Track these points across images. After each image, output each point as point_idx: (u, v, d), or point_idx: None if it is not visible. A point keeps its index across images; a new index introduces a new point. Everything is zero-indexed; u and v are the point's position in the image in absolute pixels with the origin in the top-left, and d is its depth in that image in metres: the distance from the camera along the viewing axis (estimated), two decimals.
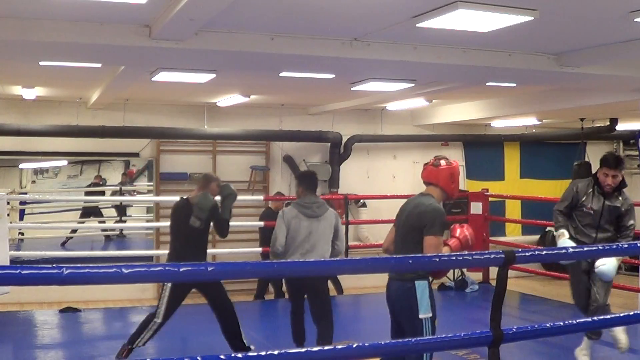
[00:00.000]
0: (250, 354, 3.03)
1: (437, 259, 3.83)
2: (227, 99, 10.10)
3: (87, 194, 12.56)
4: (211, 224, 5.82)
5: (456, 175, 4.52)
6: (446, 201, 4.62)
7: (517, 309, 8.32)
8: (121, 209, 12.88)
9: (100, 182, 12.57)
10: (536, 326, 3.86)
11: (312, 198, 5.69)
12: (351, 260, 4.65)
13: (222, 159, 11.21)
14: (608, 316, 4.86)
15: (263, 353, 2.99)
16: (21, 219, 12.04)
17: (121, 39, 5.28)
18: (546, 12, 4.84)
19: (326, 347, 3.33)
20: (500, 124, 12.67)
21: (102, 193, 12.57)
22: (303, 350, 3.17)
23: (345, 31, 5.67)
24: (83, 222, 12.73)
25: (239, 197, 9.74)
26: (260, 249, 9.19)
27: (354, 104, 10.39)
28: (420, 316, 4.20)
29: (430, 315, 4.23)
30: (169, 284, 5.57)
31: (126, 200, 12.63)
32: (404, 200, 4.76)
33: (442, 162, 4.50)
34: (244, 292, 9.65)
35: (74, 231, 12.22)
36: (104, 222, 13.17)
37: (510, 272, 3.78)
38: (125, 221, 12.91)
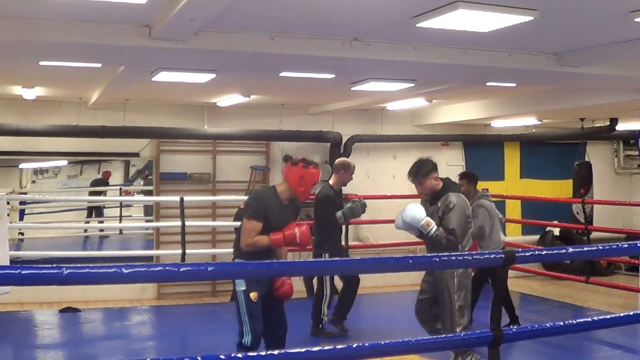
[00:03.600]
0: (250, 354, 3.03)
1: (437, 259, 3.83)
2: (227, 99, 10.10)
3: (92, 192, 12.55)
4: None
5: (308, 179, 4.72)
6: (297, 202, 4.91)
7: (517, 309, 8.30)
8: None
9: (108, 179, 12.56)
10: (536, 326, 3.87)
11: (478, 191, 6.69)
12: (351, 260, 4.64)
13: (222, 159, 11.21)
14: (609, 316, 4.86)
15: (263, 353, 3.00)
16: (21, 219, 12.03)
17: (121, 39, 5.28)
18: (546, 12, 4.84)
19: (326, 347, 3.33)
20: (500, 124, 12.67)
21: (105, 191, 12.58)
22: (303, 350, 3.17)
23: (345, 31, 5.67)
24: (88, 222, 12.72)
25: (239, 198, 9.80)
26: None
27: (354, 104, 10.39)
28: (237, 288, 4.73)
29: (244, 288, 4.69)
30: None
31: (126, 200, 12.62)
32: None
33: (302, 164, 4.81)
34: None
35: (86, 230, 12.26)
36: (102, 222, 13.17)
37: (510, 272, 3.78)
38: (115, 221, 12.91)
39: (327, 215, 6.72)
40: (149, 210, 12.51)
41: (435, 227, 4.82)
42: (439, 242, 4.81)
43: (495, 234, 6.77)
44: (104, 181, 12.57)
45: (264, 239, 4.66)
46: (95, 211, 12.86)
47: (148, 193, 12.40)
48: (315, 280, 8.99)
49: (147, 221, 12.25)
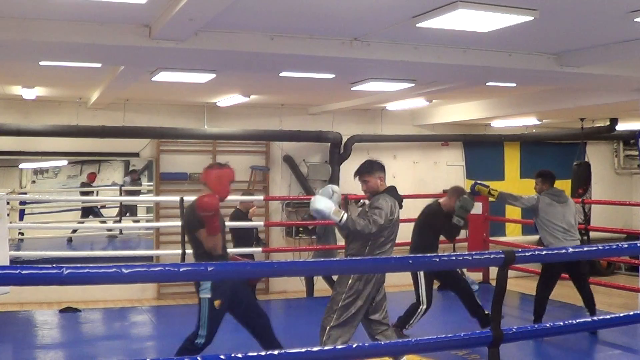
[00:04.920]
0: (250, 353, 3.03)
1: (437, 259, 3.83)
2: (227, 99, 10.10)
3: (83, 193, 12.51)
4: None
5: (224, 178, 5.03)
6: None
7: (517, 309, 8.31)
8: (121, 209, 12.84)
9: (92, 182, 12.48)
10: (536, 326, 3.87)
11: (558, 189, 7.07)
12: (351, 260, 4.64)
13: (222, 159, 11.13)
14: (609, 316, 4.86)
15: (263, 353, 3.00)
16: (21, 219, 12.02)
17: (121, 39, 5.28)
18: (546, 12, 4.84)
19: (326, 347, 3.33)
20: (500, 124, 12.67)
21: (95, 192, 12.51)
22: (303, 350, 3.17)
23: (345, 31, 5.67)
24: (83, 222, 12.69)
25: (239, 198, 9.80)
26: (260, 249, 9.18)
27: (354, 104, 10.39)
28: (201, 295, 4.85)
29: (209, 296, 4.84)
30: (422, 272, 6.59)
31: (126, 200, 12.61)
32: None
33: (216, 166, 5.18)
34: None
35: (75, 231, 12.19)
36: (104, 222, 13.14)
37: (510, 272, 3.78)
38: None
39: (424, 231, 6.92)
40: (133, 210, 12.50)
41: (345, 215, 4.81)
42: (353, 231, 4.84)
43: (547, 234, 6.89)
44: (88, 185, 12.52)
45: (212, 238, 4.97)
46: (85, 212, 12.72)
47: (135, 194, 12.37)
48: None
49: (147, 221, 12.25)
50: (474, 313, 6.90)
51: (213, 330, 4.92)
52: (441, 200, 7.08)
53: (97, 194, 12.75)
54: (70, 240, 11.95)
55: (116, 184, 12.60)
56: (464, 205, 6.75)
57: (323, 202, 4.82)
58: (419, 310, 6.71)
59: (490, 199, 7.10)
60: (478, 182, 7.31)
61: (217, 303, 4.88)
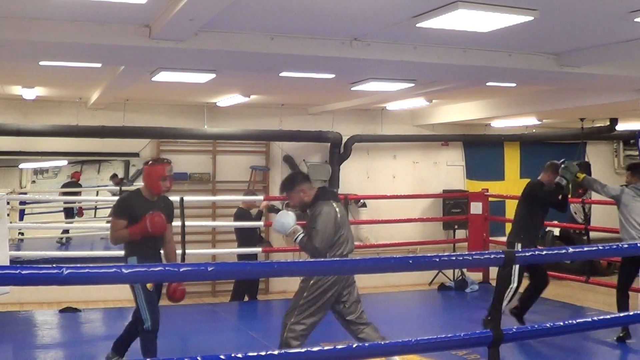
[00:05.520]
0: (250, 353, 3.02)
1: (437, 259, 3.83)
2: (227, 99, 10.10)
3: (65, 194, 12.35)
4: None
5: (152, 174, 5.28)
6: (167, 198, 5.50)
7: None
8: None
9: (79, 180, 12.32)
10: (536, 326, 3.87)
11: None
12: (351, 260, 4.65)
13: (222, 159, 11.22)
14: (609, 316, 4.86)
15: (263, 353, 2.99)
16: (21, 219, 12.01)
17: (121, 39, 5.28)
18: (546, 12, 4.84)
19: (326, 347, 3.33)
20: (500, 124, 12.67)
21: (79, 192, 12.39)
22: (303, 350, 3.17)
23: (345, 31, 5.67)
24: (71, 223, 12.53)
25: (239, 198, 9.80)
26: (259, 249, 9.18)
27: (354, 104, 10.39)
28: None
29: None
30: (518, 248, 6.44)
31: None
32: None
33: (150, 162, 5.49)
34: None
35: (66, 231, 12.07)
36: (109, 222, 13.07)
37: None
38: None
39: (526, 204, 6.95)
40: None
41: (301, 235, 4.97)
42: (306, 249, 4.98)
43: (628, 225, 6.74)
44: (75, 183, 12.40)
45: (124, 232, 5.14)
46: (68, 212, 12.46)
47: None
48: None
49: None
50: (521, 308, 6.78)
51: (154, 312, 5.04)
52: (540, 177, 7.09)
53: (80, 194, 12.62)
54: (62, 241, 11.79)
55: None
56: (568, 166, 6.79)
57: (288, 219, 5.03)
58: (509, 289, 6.41)
59: (575, 179, 7.05)
60: (567, 160, 7.14)
61: (149, 285, 5.05)
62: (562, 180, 6.80)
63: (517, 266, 6.41)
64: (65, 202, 12.13)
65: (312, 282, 4.95)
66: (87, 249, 11.18)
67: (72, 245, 11.94)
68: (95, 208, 12.73)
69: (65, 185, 12.27)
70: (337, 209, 5.05)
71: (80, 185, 12.35)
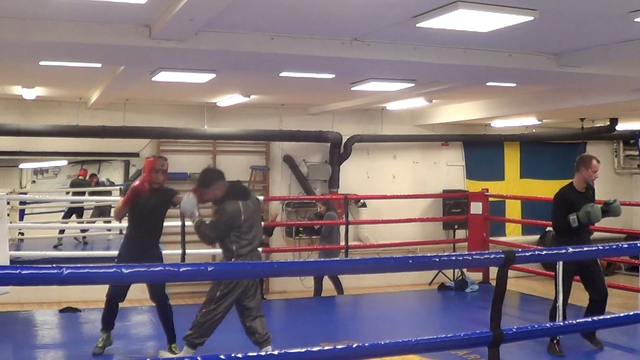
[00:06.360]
0: (250, 353, 3.03)
1: (437, 259, 3.83)
2: (227, 99, 10.10)
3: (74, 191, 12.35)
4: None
5: (146, 166, 5.77)
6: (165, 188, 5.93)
7: (517, 309, 8.31)
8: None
9: (85, 177, 12.26)
10: (536, 326, 3.86)
11: None
12: (351, 260, 4.65)
13: (222, 159, 11.21)
14: (609, 316, 4.86)
15: (263, 353, 3.00)
16: (21, 219, 12.01)
17: (121, 39, 5.28)
18: (546, 12, 4.84)
19: (326, 347, 3.33)
20: (500, 124, 12.67)
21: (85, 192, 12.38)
22: (303, 350, 3.17)
23: (345, 31, 5.67)
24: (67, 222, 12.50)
25: None
26: (259, 249, 9.17)
27: (354, 104, 10.39)
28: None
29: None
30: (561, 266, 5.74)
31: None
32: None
33: (147, 158, 5.90)
34: None
35: (62, 232, 12.02)
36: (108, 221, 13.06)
37: (510, 272, 3.78)
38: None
39: (558, 215, 5.94)
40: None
41: (198, 219, 5.36)
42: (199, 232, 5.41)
43: None
44: (84, 181, 12.30)
45: (119, 204, 5.81)
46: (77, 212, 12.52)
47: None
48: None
49: None
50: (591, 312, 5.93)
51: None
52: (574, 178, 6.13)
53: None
54: (82, 240, 11.77)
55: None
56: (590, 214, 5.72)
57: (191, 203, 5.42)
58: (556, 307, 5.79)
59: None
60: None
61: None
62: (574, 222, 5.76)
63: (561, 278, 5.75)
64: (72, 202, 12.15)
65: (209, 296, 5.61)
66: (104, 249, 11.22)
67: (91, 245, 11.90)
68: (110, 207, 12.55)
69: (74, 184, 12.23)
70: (241, 208, 5.36)
71: (89, 184, 12.32)
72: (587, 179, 6.02)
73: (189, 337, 5.47)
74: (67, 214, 12.22)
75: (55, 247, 11.33)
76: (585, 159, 6.05)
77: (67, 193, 12.27)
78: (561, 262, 5.74)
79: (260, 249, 5.78)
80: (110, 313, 6.02)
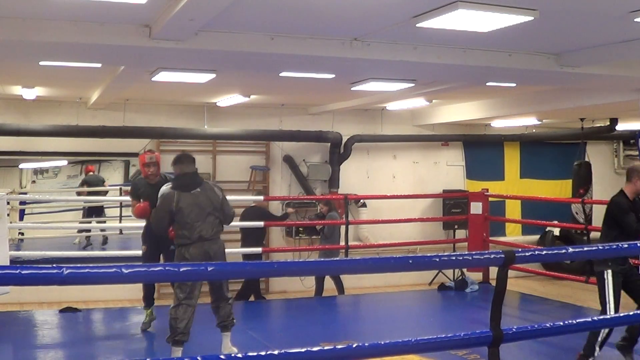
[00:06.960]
0: (250, 353, 3.03)
1: (437, 259, 3.83)
2: (227, 99, 10.10)
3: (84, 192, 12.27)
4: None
5: (139, 161, 6.56)
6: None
7: (517, 309, 8.31)
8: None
9: (93, 171, 12.17)
10: (536, 326, 3.86)
11: None
12: (351, 260, 4.65)
13: (222, 159, 11.22)
14: (608, 316, 4.85)
15: (263, 353, 3.00)
16: (21, 219, 12.03)
17: (121, 39, 5.28)
18: (546, 12, 4.84)
19: (326, 347, 3.33)
20: (500, 124, 12.67)
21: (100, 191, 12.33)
22: (303, 350, 3.17)
23: (345, 31, 5.67)
24: (89, 222, 12.48)
25: (239, 197, 9.80)
26: (260, 249, 9.18)
27: (354, 104, 10.39)
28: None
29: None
30: (609, 275, 5.47)
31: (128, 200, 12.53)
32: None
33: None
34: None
35: (82, 231, 11.94)
36: (104, 221, 13.07)
37: (510, 272, 3.78)
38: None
39: (629, 220, 5.67)
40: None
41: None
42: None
43: None
44: (95, 177, 12.15)
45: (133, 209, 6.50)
46: (96, 211, 12.52)
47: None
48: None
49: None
50: (630, 339, 5.57)
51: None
52: (624, 187, 5.78)
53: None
54: (85, 246, 11.69)
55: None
56: None
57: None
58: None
59: None
60: None
61: (144, 248, 6.65)
62: None
63: (610, 289, 5.44)
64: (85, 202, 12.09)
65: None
66: (121, 248, 11.20)
67: (110, 244, 11.81)
68: (121, 206, 12.33)
69: (88, 182, 12.04)
70: (174, 197, 5.54)
71: (103, 181, 12.16)
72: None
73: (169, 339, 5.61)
74: (88, 214, 12.21)
75: (84, 248, 11.33)
76: (639, 169, 5.78)
77: (79, 194, 12.15)
78: (609, 272, 5.50)
79: (219, 244, 5.94)
80: (147, 291, 6.83)
